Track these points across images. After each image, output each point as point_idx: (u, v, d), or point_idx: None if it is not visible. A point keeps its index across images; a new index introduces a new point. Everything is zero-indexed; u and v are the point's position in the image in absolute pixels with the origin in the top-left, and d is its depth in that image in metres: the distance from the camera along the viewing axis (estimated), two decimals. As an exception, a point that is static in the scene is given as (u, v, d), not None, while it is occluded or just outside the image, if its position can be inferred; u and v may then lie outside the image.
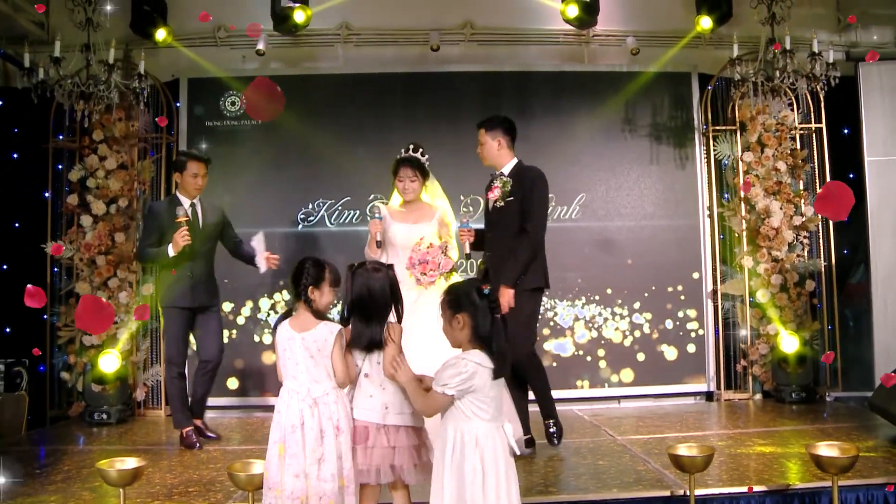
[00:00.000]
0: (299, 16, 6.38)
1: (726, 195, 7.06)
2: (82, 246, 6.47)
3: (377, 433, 3.11)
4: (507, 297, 4.64)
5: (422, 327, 4.16)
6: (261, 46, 6.73)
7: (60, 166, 6.74)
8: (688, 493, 3.65)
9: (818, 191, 6.85)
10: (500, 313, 2.93)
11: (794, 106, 6.95)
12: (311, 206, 6.92)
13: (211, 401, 6.23)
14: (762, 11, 6.51)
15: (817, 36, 6.33)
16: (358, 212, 6.89)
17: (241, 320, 6.77)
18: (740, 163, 6.92)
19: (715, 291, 6.97)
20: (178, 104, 6.95)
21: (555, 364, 6.80)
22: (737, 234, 6.96)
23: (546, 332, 6.83)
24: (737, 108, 6.98)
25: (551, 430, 5.02)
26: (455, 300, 2.97)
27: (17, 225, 6.85)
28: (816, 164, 6.99)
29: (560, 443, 5.00)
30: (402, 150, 5.03)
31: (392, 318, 3.19)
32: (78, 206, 6.58)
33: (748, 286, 6.83)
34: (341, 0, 6.87)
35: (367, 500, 3.19)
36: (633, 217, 7.03)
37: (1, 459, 4.81)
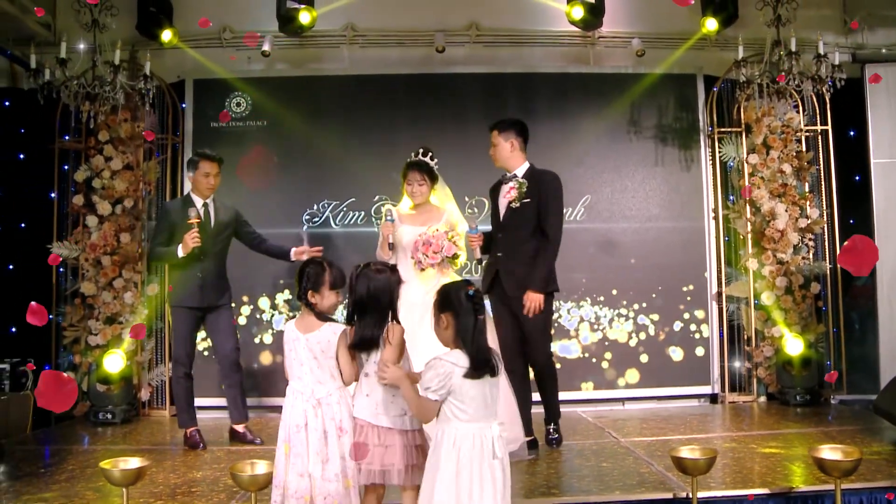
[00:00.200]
0: (305, 17, 6.39)
1: (731, 197, 7.04)
2: (88, 246, 6.49)
3: (371, 432, 3.13)
4: (537, 301, 4.77)
5: (430, 326, 4.17)
6: (266, 48, 6.75)
7: (66, 167, 6.75)
8: (690, 495, 3.65)
9: (821, 191, 6.87)
10: (483, 314, 2.95)
11: (800, 108, 6.93)
12: (316, 207, 6.93)
13: (212, 401, 6.29)
14: (768, 13, 6.48)
15: (823, 38, 6.29)
16: (363, 213, 6.90)
17: (241, 320, 6.77)
18: (745, 165, 6.90)
19: (720, 293, 6.96)
20: (183, 105, 6.97)
21: (559, 366, 6.75)
22: (742, 236, 6.94)
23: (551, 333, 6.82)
24: (742, 109, 6.96)
25: (553, 436, 5.09)
26: (442, 300, 3.01)
27: (22, 225, 6.88)
28: (822, 166, 6.96)
29: (559, 447, 5.05)
30: (412, 154, 5.12)
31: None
32: (83, 207, 6.60)
33: (753, 288, 6.81)
34: (347, 1, 6.88)
35: (370, 500, 3.20)
36: (638, 219, 7.02)
37: (6, 458, 4.85)
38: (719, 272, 6.99)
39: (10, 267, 6.81)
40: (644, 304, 6.93)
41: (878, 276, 6.88)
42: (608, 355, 6.90)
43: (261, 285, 6.76)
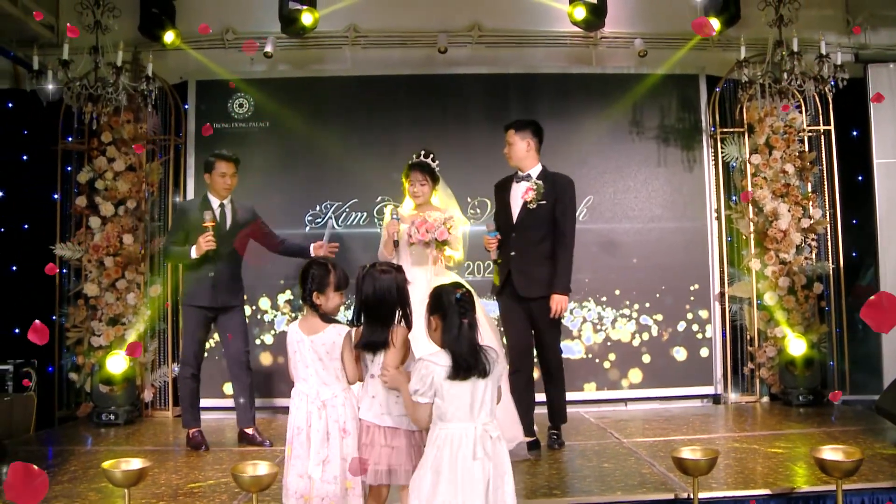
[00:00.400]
0: (307, 18, 6.38)
1: (734, 197, 7.03)
2: (90, 247, 6.51)
3: (377, 433, 3.14)
4: (563, 303, 4.89)
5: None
6: (269, 49, 6.75)
7: (69, 168, 6.77)
8: (692, 496, 3.64)
9: (824, 191, 6.86)
10: (470, 318, 2.95)
11: (803, 108, 6.91)
12: (318, 208, 6.93)
13: (213, 402, 6.31)
14: (770, 13, 6.48)
15: (826, 38, 6.28)
16: (365, 213, 6.90)
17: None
18: (748, 165, 6.90)
19: (722, 294, 6.95)
20: (186, 106, 6.98)
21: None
22: (744, 237, 6.94)
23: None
24: (744, 110, 6.95)
25: (557, 439, 5.12)
26: (432, 302, 3.02)
27: (26, 226, 6.91)
28: (825, 166, 6.95)
29: (560, 448, 5.07)
30: (414, 156, 5.18)
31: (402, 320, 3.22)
32: (86, 208, 6.62)
33: (756, 289, 6.80)
34: (349, 2, 6.89)
35: (374, 501, 3.21)
36: (640, 219, 7.02)
37: (9, 459, 4.86)
38: (722, 272, 6.98)
39: (14, 268, 6.84)
40: (647, 305, 6.92)
41: (881, 276, 6.87)
42: (611, 356, 6.89)
43: (261, 286, 6.75)
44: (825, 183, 6.96)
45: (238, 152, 5.56)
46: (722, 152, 7.02)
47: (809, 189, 6.91)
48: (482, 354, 2.93)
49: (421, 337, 3.18)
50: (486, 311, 5.10)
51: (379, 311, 3.16)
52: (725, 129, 7.05)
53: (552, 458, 4.86)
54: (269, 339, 6.79)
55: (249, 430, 5.43)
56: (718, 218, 7.03)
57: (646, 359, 6.89)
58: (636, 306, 6.92)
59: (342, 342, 3.23)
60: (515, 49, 7.29)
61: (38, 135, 6.81)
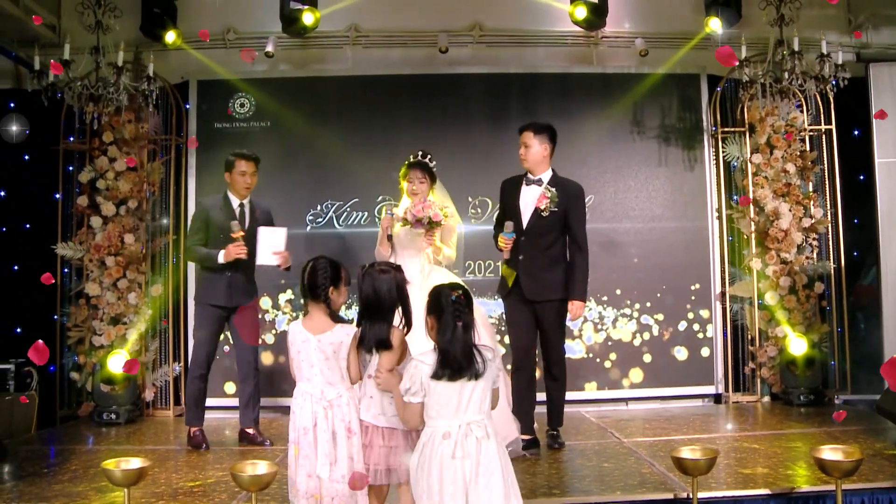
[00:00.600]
0: (308, 18, 6.38)
1: (735, 197, 7.02)
2: (92, 247, 6.52)
3: (375, 433, 3.15)
4: (581, 310, 4.97)
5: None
6: (270, 49, 6.76)
7: (70, 168, 6.79)
8: (691, 495, 3.64)
9: (825, 191, 6.87)
10: (464, 321, 2.95)
11: (804, 107, 6.90)
12: (319, 208, 6.94)
13: (216, 401, 6.30)
14: (771, 13, 6.47)
15: (827, 37, 6.27)
16: (366, 213, 6.90)
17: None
18: (749, 164, 6.89)
19: (723, 293, 6.95)
20: (187, 106, 6.98)
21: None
22: (745, 236, 6.93)
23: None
24: (746, 109, 6.95)
25: (557, 439, 5.11)
26: (430, 302, 3.03)
27: (27, 226, 6.92)
28: (826, 165, 6.94)
29: (560, 449, 5.08)
30: (411, 157, 5.21)
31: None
32: (88, 208, 6.63)
33: (757, 288, 6.80)
34: (350, 2, 6.89)
35: (374, 499, 3.22)
36: (641, 219, 7.02)
37: (10, 458, 4.87)
38: (723, 272, 6.98)
39: (15, 268, 6.85)
40: (648, 304, 6.92)
41: (882, 276, 6.86)
42: (612, 355, 6.89)
43: (263, 286, 6.74)
44: (826, 182, 6.95)
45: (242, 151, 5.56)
46: (723, 152, 7.02)
47: (811, 188, 6.91)
48: (476, 356, 2.93)
49: (419, 334, 3.18)
50: (483, 313, 5.12)
51: (379, 311, 3.16)
52: (726, 129, 7.04)
53: (552, 457, 4.86)
54: (269, 338, 6.79)
55: (250, 430, 5.43)
56: (719, 217, 7.03)
57: (647, 358, 6.89)
58: (637, 306, 6.92)
59: (350, 342, 3.23)
60: (516, 49, 7.30)
61: (39, 134, 6.82)
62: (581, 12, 6.38)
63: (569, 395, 5.33)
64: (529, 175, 5.05)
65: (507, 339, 5.33)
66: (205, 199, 5.58)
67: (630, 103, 7.07)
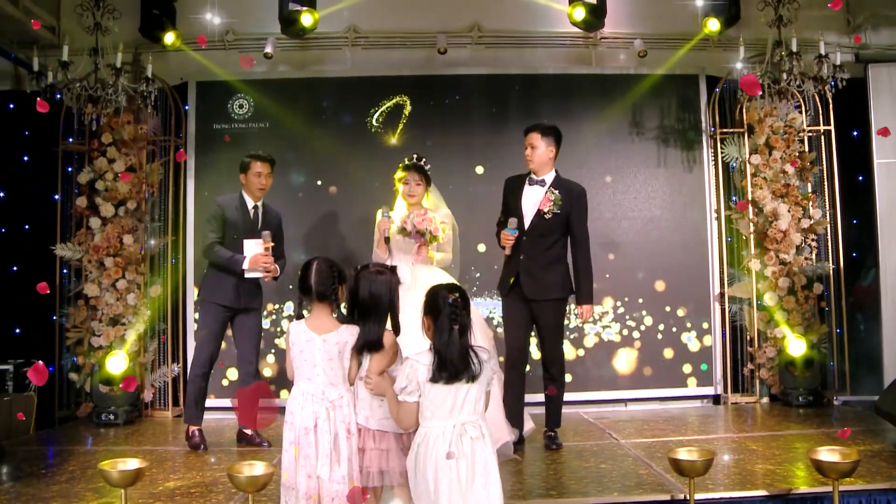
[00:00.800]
0: (307, 19, 6.38)
1: (734, 198, 7.01)
2: (91, 248, 6.52)
3: (367, 436, 3.15)
4: (590, 312, 5.08)
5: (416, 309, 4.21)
6: (269, 50, 6.76)
7: (70, 169, 6.79)
8: (688, 497, 3.64)
9: (824, 191, 6.87)
10: (460, 324, 2.96)
11: (802, 108, 6.90)
12: (318, 208, 6.93)
13: (214, 402, 6.30)
14: (769, 14, 6.47)
15: (826, 38, 6.27)
16: (364, 214, 6.87)
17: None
18: (748, 165, 6.88)
19: (722, 294, 6.94)
20: (186, 107, 6.98)
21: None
22: (744, 237, 6.92)
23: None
24: (744, 110, 6.94)
25: (554, 440, 5.11)
26: (427, 303, 3.04)
27: (26, 227, 6.91)
28: (825, 166, 6.94)
29: (558, 450, 5.08)
30: (406, 159, 5.29)
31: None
32: (87, 209, 6.63)
33: (755, 289, 6.79)
34: (349, 3, 6.89)
35: (369, 498, 3.22)
36: (640, 219, 7.02)
37: (8, 459, 4.87)
38: (722, 273, 6.97)
39: (14, 268, 6.84)
40: (647, 305, 6.92)
41: (881, 276, 6.86)
42: (610, 356, 6.89)
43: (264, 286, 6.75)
44: (825, 183, 6.94)
45: (237, 154, 5.57)
46: (722, 152, 7.01)
47: (809, 189, 6.90)
48: (472, 358, 2.93)
49: (413, 332, 3.18)
50: (479, 313, 5.13)
51: (374, 312, 3.16)
52: (725, 130, 7.03)
53: (549, 458, 4.85)
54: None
55: (249, 431, 5.43)
56: (718, 218, 7.02)
57: (645, 359, 6.89)
58: (636, 307, 6.91)
59: (354, 343, 3.22)
60: (515, 50, 7.29)
61: (38, 135, 6.81)
62: (580, 13, 6.38)
63: (567, 396, 5.34)
64: (533, 175, 5.06)
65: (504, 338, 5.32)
66: (221, 198, 5.55)
67: (629, 104, 7.08)
